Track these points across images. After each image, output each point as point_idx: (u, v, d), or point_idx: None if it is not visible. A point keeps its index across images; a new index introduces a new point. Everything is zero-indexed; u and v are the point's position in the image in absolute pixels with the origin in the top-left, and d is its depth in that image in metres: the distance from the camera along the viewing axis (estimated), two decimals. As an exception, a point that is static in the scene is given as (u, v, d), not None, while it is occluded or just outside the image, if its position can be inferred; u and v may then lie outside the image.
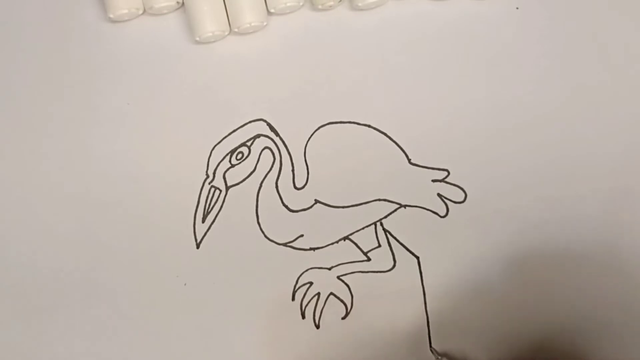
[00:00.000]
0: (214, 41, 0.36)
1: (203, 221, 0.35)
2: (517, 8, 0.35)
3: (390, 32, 0.35)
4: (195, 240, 0.35)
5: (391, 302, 0.34)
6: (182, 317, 0.35)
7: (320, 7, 0.35)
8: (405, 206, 0.34)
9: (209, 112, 0.36)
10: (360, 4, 0.35)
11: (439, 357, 0.32)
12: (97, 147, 0.36)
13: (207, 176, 0.35)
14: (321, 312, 0.34)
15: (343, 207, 0.35)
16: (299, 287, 0.34)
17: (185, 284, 0.35)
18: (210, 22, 0.34)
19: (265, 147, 0.35)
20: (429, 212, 0.34)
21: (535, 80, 0.35)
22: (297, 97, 0.35)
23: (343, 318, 0.34)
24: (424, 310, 0.34)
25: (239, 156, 0.35)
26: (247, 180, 0.35)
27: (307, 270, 0.34)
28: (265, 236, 0.35)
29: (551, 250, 0.34)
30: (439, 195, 0.34)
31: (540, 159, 0.34)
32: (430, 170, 0.35)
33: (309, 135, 0.35)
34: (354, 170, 0.35)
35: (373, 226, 0.34)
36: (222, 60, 0.36)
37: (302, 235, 0.34)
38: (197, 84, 0.36)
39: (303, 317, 0.34)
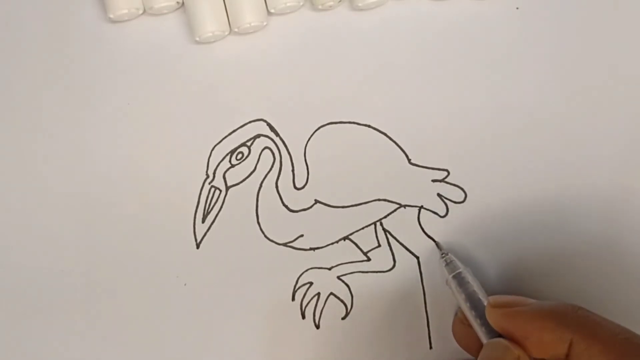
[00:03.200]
0: (214, 41, 0.36)
1: (203, 221, 0.35)
2: (517, 8, 0.35)
3: (390, 32, 0.35)
4: (195, 240, 0.35)
5: (391, 302, 0.34)
6: (182, 317, 0.35)
7: (320, 7, 0.35)
8: (405, 206, 0.34)
9: (209, 112, 0.36)
10: (360, 4, 0.35)
11: (444, 253, 0.33)
12: (97, 148, 0.36)
13: (207, 176, 0.35)
14: (321, 312, 0.34)
15: (343, 207, 0.35)
16: (299, 287, 0.34)
17: (185, 284, 0.35)
18: (210, 22, 0.34)
19: (265, 147, 0.35)
20: (428, 212, 0.34)
21: (535, 80, 0.35)
22: (297, 97, 0.35)
23: (343, 318, 0.34)
24: (424, 310, 0.34)
25: (239, 156, 0.35)
26: (247, 180, 0.35)
27: (307, 270, 0.34)
28: (265, 236, 0.35)
29: (551, 250, 0.34)
30: (439, 195, 0.34)
31: (540, 159, 0.34)
32: (430, 170, 0.35)
33: (309, 135, 0.35)
34: (354, 170, 0.35)
35: (373, 226, 0.34)
36: (222, 61, 0.36)
37: (302, 235, 0.34)
38: (197, 84, 0.36)
39: (303, 317, 0.34)
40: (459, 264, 0.32)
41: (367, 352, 0.34)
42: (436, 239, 0.34)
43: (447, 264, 0.32)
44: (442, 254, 0.33)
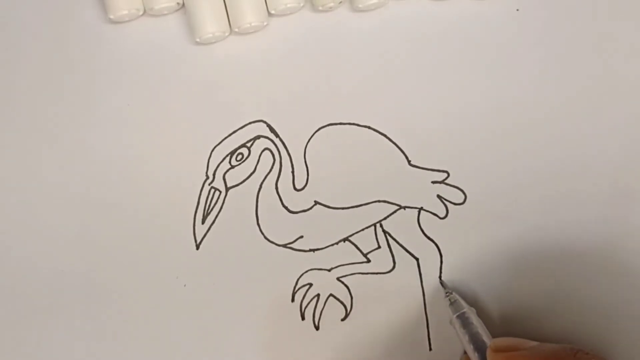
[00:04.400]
0: (214, 42, 0.36)
1: (203, 222, 0.35)
2: (518, 10, 0.35)
3: (391, 33, 0.35)
4: (195, 241, 0.35)
5: (391, 303, 0.34)
6: (181, 318, 0.35)
7: (320, 8, 0.35)
8: (405, 207, 0.34)
9: (209, 113, 0.36)
10: (360, 5, 0.35)
11: (448, 292, 0.33)
12: (97, 148, 0.36)
13: (207, 177, 0.35)
14: (321, 314, 0.34)
15: (343, 208, 0.35)
16: (298, 289, 0.34)
17: (185, 285, 0.35)
18: (210, 23, 0.34)
19: (265, 148, 0.35)
20: (428, 213, 0.34)
21: (535, 81, 0.35)
22: (297, 98, 0.35)
23: (342, 319, 0.34)
24: (423, 311, 0.34)
25: (239, 157, 0.35)
26: (246, 181, 0.35)
27: (306, 272, 0.34)
28: (265, 237, 0.35)
29: (551, 251, 0.34)
30: (439, 196, 0.34)
31: (539, 160, 0.34)
32: (430, 171, 0.34)
33: (309, 137, 0.35)
34: (353, 172, 0.35)
35: (373, 227, 0.34)
36: (223, 61, 0.36)
37: (301, 237, 0.35)
38: (197, 85, 0.36)
39: (303, 318, 0.34)
40: (463, 303, 0.32)
41: (367, 353, 0.34)
42: (436, 241, 0.34)
43: (451, 303, 0.32)
44: (446, 293, 0.33)
